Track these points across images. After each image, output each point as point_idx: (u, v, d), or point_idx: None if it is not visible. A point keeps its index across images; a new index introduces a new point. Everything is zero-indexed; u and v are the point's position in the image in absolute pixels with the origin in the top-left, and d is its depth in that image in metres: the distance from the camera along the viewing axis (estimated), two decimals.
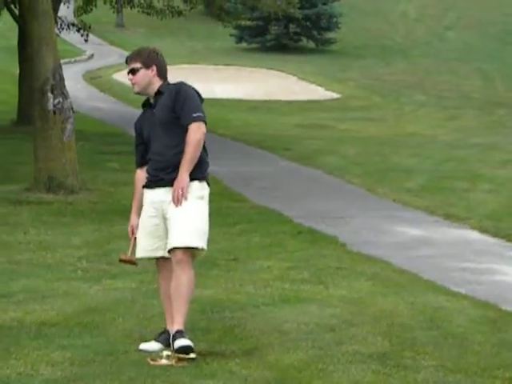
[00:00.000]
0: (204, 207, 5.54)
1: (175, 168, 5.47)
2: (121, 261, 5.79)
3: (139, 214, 5.67)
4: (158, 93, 5.59)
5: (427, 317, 6.45)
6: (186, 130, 5.48)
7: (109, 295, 6.85)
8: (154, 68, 5.59)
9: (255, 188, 13.51)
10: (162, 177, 5.51)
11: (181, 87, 5.56)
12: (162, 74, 5.62)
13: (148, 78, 5.58)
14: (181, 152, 5.47)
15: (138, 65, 5.58)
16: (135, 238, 5.67)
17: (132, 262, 5.72)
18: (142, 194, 5.68)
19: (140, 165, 5.73)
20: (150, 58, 5.60)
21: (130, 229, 5.72)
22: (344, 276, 7.77)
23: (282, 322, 6.16)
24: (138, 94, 5.67)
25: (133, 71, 5.59)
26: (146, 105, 5.70)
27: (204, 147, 5.58)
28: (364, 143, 20.47)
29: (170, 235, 5.43)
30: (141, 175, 5.71)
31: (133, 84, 5.60)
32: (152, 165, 5.59)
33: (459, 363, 5.41)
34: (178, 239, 5.40)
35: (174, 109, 5.50)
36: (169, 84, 5.63)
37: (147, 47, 5.73)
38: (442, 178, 15.17)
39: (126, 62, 5.67)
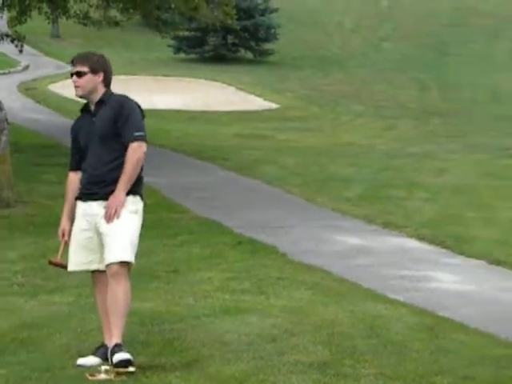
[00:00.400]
0: (137, 221, 5.51)
1: (110, 183, 5.42)
2: (51, 263, 5.70)
3: (70, 218, 5.60)
4: (101, 102, 5.51)
5: (367, 325, 6.47)
6: (125, 147, 5.42)
7: (45, 310, 6.74)
8: (101, 75, 5.51)
9: (195, 199, 13.45)
10: (96, 191, 5.46)
11: (125, 102, 5.49)
12: (108, 81, 5.55)
13: (93, 83, 5.50)
14: (117, 168, 5.42)
15: (85, 68, 5.48)
16: (65, 242, 5.59)
17: (62, 266, 5.64)
18: (74, 198, 5.61)
19: (74, 168, 5.64)
20: (99, 64, 5.52)
21: (60, 232, 5.65)
22: (285, 286, 7.76)
23: (223, 333, 6.12)
24: (80, 97, 5.55)
25: (79, 74, 5.49)
26: (85, 110, 5.61)
27: None
28: (302, 153, 20.54)
29: (106, 251, 5.38)
30: (73, 178, 5.63)
31: (76, 87, 5.51)
32: (86, 177, 5.53)
33: (398, 370, 5.44)
34: (114, 254, 5.36)
35: (115, 123, 5.43)
36: (112, 94, 5.55)
37: (96, 52, 5.64)
38: (379, 186, 15.28)
39: (72, 62, 5.55)
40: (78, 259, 5.55)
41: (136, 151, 5.42)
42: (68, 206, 5.65)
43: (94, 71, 5.50)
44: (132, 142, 5.43)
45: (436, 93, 38.88)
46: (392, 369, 5.46)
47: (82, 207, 5.53)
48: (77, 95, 5.57)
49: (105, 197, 5.43)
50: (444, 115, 32.33)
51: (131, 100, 5.55)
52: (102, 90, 5.53)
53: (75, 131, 5.63)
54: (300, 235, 10.63)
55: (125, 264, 5.39)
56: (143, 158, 5.47)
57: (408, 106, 34.96)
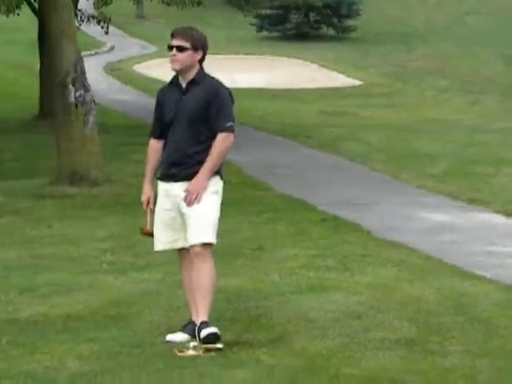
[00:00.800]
0: (218, 202, 5.55)
1: (192, 164, 5.45)
2: (143, 233, 5.73)
3: (153, 184, 5.63)
4: (193, 81, 5.50)
5: (453, 302, 6.42)
6: (212, 132, 5.45)
7: (134, 287, 6.87)
8: (201, 53, 5.50)
9: (278, 176, 13.49)
10: (178, 172, 5.49)
11: (220, 88, 5.48)
12: (203, 61, 5.55)
13: (192, 60, 5.48)
14: (200, 151, 5.45)
15: (187, 44, 5.46)
16: (151, 210, 5.63)
17: (153, 235, 5.68)
18: (156, 165, 5.64)
19: (156, 136, 5.64)
20: (200, 42, 5.51)
21: (145, 199, 5.65)
22: (369, 263, 7.75)
23: (308, 310, 6.15)
24: (175, 71, 5.51)
25: (179, 48, 5.45)
26: (174, 83, 5.58)
27: None
28: (386, 130, 20.38)
29: (189, 232, 5.44)
30: (155, 145, 5.64)
31: (175, 61, 5.46)
32: (168, 154, 5.54)
33: (485, 347, 5.40)
34: (197, 236, 5.42)
35: (207, 107, 5.43)
36: (205, 75, 5.53)
37: (198, 29, 5.57)
38: (465, 162, 15.08)
39: (173, 35, 5.51)
40: (163, 238, 5.62)
41: (225, 141, 5.46)
42: (150, 173, 5.66)
43: (195, 48, 5.48)
44: (222, 131, 5.46)
45: None
46: (479, 346, 5.42)
47: (164, 187, 5.58)
48: (173, 69, 5.51)
49: (186, 178, 5.46)
50: None
51: (225, 87, 5.52)
52: (196, 69, 5.52)
53: (161, 101, 5.62)
54: (384, 212, 10.58)
55: (207, 245, 5.44)
56: (229, 149, 5.50)
57: (494, 81, 34.33)
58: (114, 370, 4.99)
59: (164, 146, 5.61)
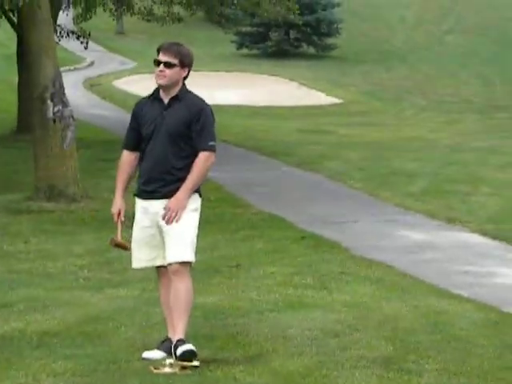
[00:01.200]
0: (197, 219, 5.54)
1: (171, 181, 5.43)
2: (113, 243, 5.63)
3: (123, 197, 5.59)
4: (176, 97, 5.49)
5: (430, 320, 6.43)
6: (194, 151, 5.43)
7: (111, 304, 6.82)
8: (186, 70, 5.51)
9: (257, 194, 13.49)
10: (157, 189, 5.46)
11: (204, 107, 5.47)
12: (186, 78, 5.55)
13: (178, 76, 5.47)
14: (181, 168, 5.43)
15: (175, 60, 5.45)
16: (121, 222, 5.59)
17: (124, 247, 5.62)
18: (128, 177, 5.60)
19: (130, 148, 5.60)
20: (188, 59, 5.51)
21: (115, 211, 5.58)
22: (347, 281, 7.75)
23: (286, 327, 6.14)
24: (160, 86, 5.49)
25: (167, 64, 5.45)
26: (155, 98, 5.56)
27: None
28: (366, 148, 20.44)
29: (167, 249, 5.42)
30: (128, 158, 5.60)
31: (162, 76, 5.44)
32: (147, 169, 5.50)
33: (462, 366, 5.40)
34: (175, 254, 5.40)
35: (189, 125, 5.42)
36: (188, 92, 5.53)
37: (185, 45, 5.57)
38: (443, 181, 15.14)
39: (160, 50, 5.49)
40: (142, 256, 5.59)
41: (207, 160, 5.44)
42: (121, 185, 5.60)
43: (182, 65, 5.48)
44: (204, 150, 5.44)
45: (500, 87, 38.35)
46: (456, 364, 5.43)
47: (142, 205, 5.54)
48: (159, 83, 5.49)
49: (166, 195, 5.44)
50: (508, 109, 31.88)
51: (208, 105, 5.51)
52: (180, 85, 5.52)
53: (137, 114, 5.58)
54: (363, 230, 10.60)
55: (186, 263, 5.42)
56: (210, 169, 5.49)
57: (472, 100, 34.56)
58: None
59: (141, 160, 5.58)
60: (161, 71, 5.46)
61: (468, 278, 8.13)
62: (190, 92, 5.55)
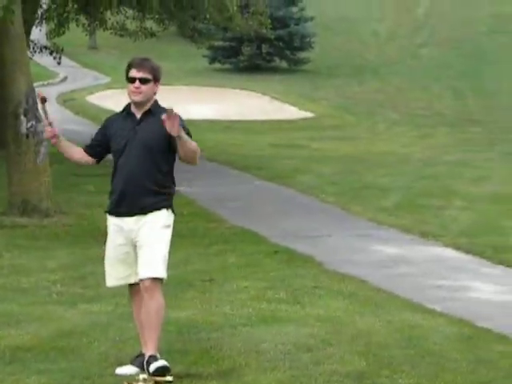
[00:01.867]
0: (169, 236, 5.54)
1: (147, 195, 5.43)
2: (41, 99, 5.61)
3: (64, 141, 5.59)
4: (149, 112, 5.51)
5: (404, 335, 6.46)
6: (166, 161, 5.45)
7: (84, 319, 6.81)
8: (158, 84, 5.55)
9: (230, 208, 13.50)
10: (132, 205, 5.45)
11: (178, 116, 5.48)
12: (156, 92, 5.57)
13: (152, 91, 5.51)
14: (155, 181, 5.43)
15: (149, 76, 5.47)
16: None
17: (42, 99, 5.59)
18: (74, 149, 5.63)
19: (89, 152, 5.63)
20: (159, 73, 5.54)
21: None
22: (321, 295, 7.77)
23: (260, 342, 6.15)
24: (136, 103, 5.50)
25: (143, 80, 5.45)
26: (126, 113, 5.56)
27: (172, 176, 5.55)
28: (338, 162, 20.52)
29: (140, 265, 5.42)
30: (81, 153, 5.63)
31: (138, 92, 5.45)
32: (121, 185, 5.48)
33: (436, 381, 5.43)
34: (148, 270, 5.39)
35: (165, 138, 5.39)
36: (159, 106, 5.54)
37: (153, 60, 5.60)
38: (416, 195, 15.22)
39: (132, 66, 5.48)
40: (116, 274, 5.59)
41: (197, 149, 5.42)
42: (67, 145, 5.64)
43: (155, 80, 5.51)
44: None
45: (472, 101, 38.65)
46: (430, 379, 5.46)
47: (115, 222, 5.53)
48: (135, 100, 5.49)
49: (140, 211, 5.44)
50: (481, 123, 32.13)
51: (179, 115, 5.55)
52: (153, 99, 5.55)
53: (108, 128, 5.59)
54: (336, 245, 10.63)
55: (157, 279, 5.42)
56: (196, 159, 5.44)
57: (444, 114, 34.79)
58: None
59: (112, 177, 5.57)
60: (136, 88, 5.46)
61: (441, 293, 8.18)
62: (162, 107, 5.56)
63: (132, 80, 5.48)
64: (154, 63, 5.56)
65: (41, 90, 5.77)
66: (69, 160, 5.71)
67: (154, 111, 5.52)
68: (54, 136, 5.58)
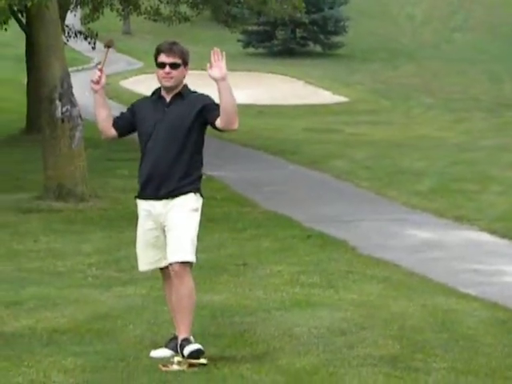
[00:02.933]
0: (198, 219, 5.52)
1: (175, 180, 5.42)
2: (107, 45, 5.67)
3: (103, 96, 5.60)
4: (179, 94, 5.52)
5: (438, 319, 6.45)
6: (197, 149, 5.45)
7: (119, 302, 6.87)
8: (187, 68, 5.54)
9: (264, 193, 13.51)
10: (160, 189, 5.44)
11: (208, 96, 5.50)
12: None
13: (183, 76, 5.50)
14: (183, 164, 5.42)
15: (179, 60, 5.47)
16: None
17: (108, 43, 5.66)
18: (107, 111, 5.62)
19: (114, 124, 5.62)
20: (188, 57, 5.54)
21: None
22: (354, 280, 7.77)
23: (293, 326, 6.17)
24: (167, 88, 5.49)
25: (174, 66, 5.44)
26: (157, 97, 5.55)
27: (201, 158, 5.56)
28: (372, 147, 20.45)
29: (168, 249, 5.43)
30: (108, 118, 5.62)
31: (169, 77, 5.44)
32: (149, 168, 5.48)
33: (470, 365, 5.41)
34: (176, 255, 5.39)
35: (195, 118, 5.39)
36: (189, 90, 5.54)
37: (181, 44, 5.56)
38: (451, 180, 15.14)
39: (162, 52, 5.47)
40: (147, 259, 5.60)
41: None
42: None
43: (185, 64, 5.51)
44: None
45: (509, 85, 38.27)
46: (464, 363, 5.44)
47: (144, 207, 5.53)
48: (166, 85, 5.48)
49: (169, 195, 5.43)
50: None
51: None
52: (183, 83, 5.54)
53: (137, 109, 5.58)
54: (370, 229, 10.62)
55: (187, 263, 5.43)
56: (236, 121, 5.39)
57: (480, 99, 34.51)
58: (99, 383, 5.01)
59: (140, 161, 5.59)
60: (167, 73, 5.46)
61: (476, 277, 8.14)
62: (194, 91, 5.57)
63: (162, 65, 5.48)
64: (183, 47, 5.55)
65: (111, 38, 5.77)
66: (95, 118, 5.65)
67: (184, 94, 5.52)
68: (99, 82, 5.58)
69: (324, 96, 34.62)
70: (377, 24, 52.21)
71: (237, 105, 5.42)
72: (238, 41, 45.38)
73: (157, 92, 5.59)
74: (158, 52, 5.52)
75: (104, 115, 5.65)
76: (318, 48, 47.09)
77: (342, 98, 34.18)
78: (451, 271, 8.38)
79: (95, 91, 5.61)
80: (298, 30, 46.69)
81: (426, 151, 19.68)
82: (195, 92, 5.57)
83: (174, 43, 5.55)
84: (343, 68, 42.01)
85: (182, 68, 5.49)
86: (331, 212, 11.80)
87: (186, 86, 5.56)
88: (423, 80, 39.31)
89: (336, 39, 46.89)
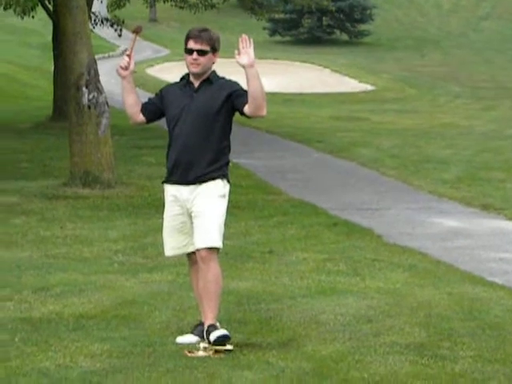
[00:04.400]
0: (225, 205, 5.53)
1: (202, 165, 5.42)
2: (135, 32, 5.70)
3: (131, 82, 5.58)
4: (207, 80, 5.50)
5: (464, 307, 6.42)
6: (224, 135, 5.45)
7: (145, 288, 6.90)
8: (217, 55, 5.53)
9: (290, 180, 13.50)
10: (187, 174, 5.45)
11: (235, 82, 5.50)
12: (215, 62, 5.56)
13: (211, 62, 5.49)
14: (211, 150, 5.42)
15: (207, 47, 5.44)
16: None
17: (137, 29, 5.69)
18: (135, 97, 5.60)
19: (142, 109, 5.61)
20: (218, 44, 5.51)
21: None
22: (380, 268, 7.76)
23: (319, 313, 6.17)
24: (194, 74, 5.48)
25: (201, 52, 5.43)
26: (185, 82, 5.55)
27: (228, 144, 5.56)
28: (399, 135, 20.37)
29: (196, 235, 5.43)
30: (136, 104, 5.61)
31: (196, 64, 5.43)
32: (176, 154, 5.48)
33: (497, 353, 5.39)
34: (203, 240, 5.40)
35: (223, 103, 5.39)
36: (218, 76, 5.54)
37: (213, 30, 5.55)
38: (478, 168, 15.06)
39: (190, 37, 5.46)
40: (173, 244, 5.60)
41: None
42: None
43: (213, 51, 5.49)
44: None
45: None
46: (490, 351, 5.42)
47: (171, 193, 5.54)
48: (193, 72, 5.47)
49: (196, 180, 5.43)
50: None
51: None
52: (211, 69, 5.54)
53: (166, 94, 5.57)
54: (396, 217, 10.58)
55: (213, 249, 5.43)
56: (264, 107, 5.39)
57: (507, 87, 34.28)
58: (125, 369, 5.03)
59: (168, 146, 5.59)
60: (194, 59, 5.44)
61: (503, 266, 8.10)
62: (222, 78, 5.57)
63: (190, 51, 5.47)
64: (213, 33, 5.52)
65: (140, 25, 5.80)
66: (123, 104, 5.65)
67: (213, 80, 5.51)
68: (127, 68, 5.58)
69: (350, 84, 34.53)
70: (404, 12, 51.95)
71: (263, 89, 5.41)
72: (264, 28, 45.37)
73: (185, 78, 5.59)
74: (187, 38, 5.51)
75: (132, 101, 5.65)
76: (345, 36, 46.98)
77: (368, 87, 34.08)
78: (478, 260, 8.34)
79: (123, 77, 5.62)
80: (324, 18, 46.60)
81: (452, 140, 19.58)
82: (223, 78, 5.57)
83: (204, 30, 5.52)
84: (369, 56, 41.87)
85: (209, 55, 5.47)
86: (357, 200, 11.78)
87: (214, 72, 5.56)
88: (450, 68, 39.11)
89: (362, 27, 46.77)
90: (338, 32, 46.98)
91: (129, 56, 5.61)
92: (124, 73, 5.60)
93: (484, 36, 47.27)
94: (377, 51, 43.64)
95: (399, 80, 35.83)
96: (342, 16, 45.97)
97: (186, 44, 5.51)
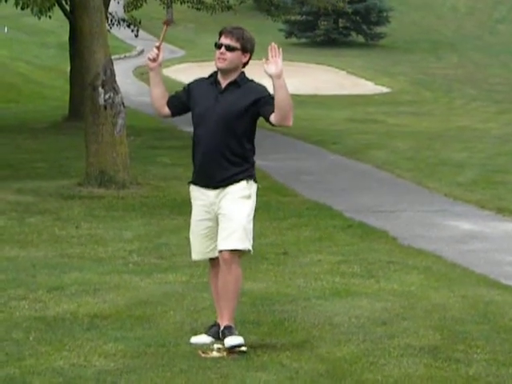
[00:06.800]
0: (251, 206, 5.49)
1: (227, 167, 5.38)
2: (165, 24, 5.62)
3: (159, 74, 5.55)
4: (235, 82, 5.44)
5: (479, 310, 6.40)
6: (248, 138, 5.42)
7: (160, 288, 6.90)
8: (248, 56, 5.45)
9: (304, 182, 13.49)
10: (212, 179, 5.41)
11: (266, 88, 5.44)
12: (246, 64, 5.48)
13: (238, 61, 5.41)
14: (235, 153, 5.37)
15: (237, 44, 5.38)
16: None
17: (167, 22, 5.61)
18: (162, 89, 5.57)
19: (169, 103, 5.55)
20: (250, 44, 5.44)
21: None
22: (395, 270, 7.74)
23: (333, 315, 6.16)
24: (219, 69, 5.42)
25: (229, 47, 5.38)
26: (213, 80, 5.47)
27: (253, 146, 5.54)
28: (414, 137, 20.32)
29: (219, 237, 5.40)
30: (163, 96, 5.56)
31: (222, 59, 5.38)
32: (199, 156, 5.45)
33: (511, 356, 5.37)
34: (225, 242, 5.36)
35: (248, 109, 5.34)
36: (247, 79, 5.46)
37: (247, 31, 5.48)
38: (493, 172, 15.00)
39: (222, 33, 5.42)
40: (200, 249, 5.56)
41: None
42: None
43: (244, 50, 5.41)
44: None
45: None
46: (505, 355, 5.40)
47: (198, 196, 5.49)
48: (219, 67, 5.42)
49: (222, 182, 5.39)
50: None
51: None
52: (240, 71, 5.45)
53: (192, 90, 5.50)
54: (411, 220, 10.56)
55: (237, 251, 5.39)
56: (290, 118, 5.38)
57: None
58: (139, 368, 5.04)
59: (193, 147, 5.57)
60: (221, 53, 5.38)
61: None
62: (251, 80, 5.49)
63: (218, 46, 5.41)
64: (246, 33, 5.44)
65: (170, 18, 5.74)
66: (150, 96, 5.61)
67: (240, 82, 5.43)
68: (155, 60, 5.52)
69: (366, 86, 34.47)
70: (420, 15, 51.85)
71: (290, 99, 5.32)
72: (280, 30, 45.34)
73: (213, 75, 5.51)
74: (219, 34, 5.46)
75: (159, 93, 5.60)
76: (361, 38, 46.91)
77: (384, 89, 34.02)
78: (493, 263, 8.31)
79: (151, 69, 5.57)
80: (340, 20, 46.55)
81: (468, 142, 19.52)
82: (252, 81, 5.49)
83: (238, 28, 5.47)
84: (385, 58, 41.80)
85: (238, 53, 5.39)
86: (372, 202, 11.76)
87: (242, 74, 5.47)
88: (466, 71, 38.99)
89: (379, 30, 46.69)
90: (354, 34, 46.94)
91: (158, 48, 5.55)
92: (152, 64, 5.56)
93: (500, 39, 47.13)
94: (393, 54, 43.56)
95: (415, 83, 35.75)
96: (358, 18, 45.92)
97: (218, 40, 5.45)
